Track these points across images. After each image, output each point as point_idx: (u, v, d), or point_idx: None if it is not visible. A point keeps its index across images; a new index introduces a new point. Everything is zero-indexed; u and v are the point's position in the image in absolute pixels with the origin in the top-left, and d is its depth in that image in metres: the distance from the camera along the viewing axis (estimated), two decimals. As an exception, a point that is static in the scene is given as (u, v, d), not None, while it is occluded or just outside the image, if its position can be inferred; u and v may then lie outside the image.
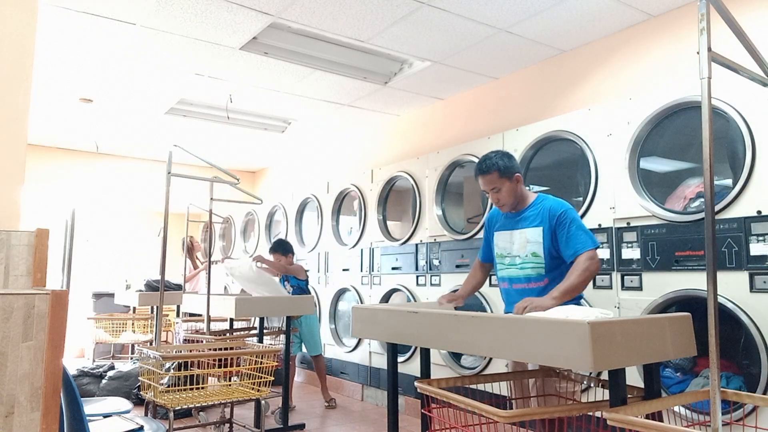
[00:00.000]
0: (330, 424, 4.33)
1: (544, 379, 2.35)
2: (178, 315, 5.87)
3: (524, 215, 2.56)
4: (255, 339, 4.41)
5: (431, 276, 4.39)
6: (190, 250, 6.33)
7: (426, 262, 4.46)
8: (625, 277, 3.06)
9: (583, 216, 3.29)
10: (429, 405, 2.02)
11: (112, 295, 7.12)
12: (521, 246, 2.53)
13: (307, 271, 5.14)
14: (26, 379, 1.14)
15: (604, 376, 1.83)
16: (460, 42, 3.86)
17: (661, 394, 1.89)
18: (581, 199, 3.38)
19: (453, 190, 4.55)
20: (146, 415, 3.49)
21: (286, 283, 4.94)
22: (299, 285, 4.90)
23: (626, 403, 1.66)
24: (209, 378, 3.35)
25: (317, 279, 5.81)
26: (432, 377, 2.16)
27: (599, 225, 3.21)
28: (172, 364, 3.54)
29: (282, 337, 4.39)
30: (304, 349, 4.93)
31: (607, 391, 1.78)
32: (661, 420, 1.76)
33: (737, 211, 2.65)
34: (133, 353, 6.79)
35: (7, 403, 1.12)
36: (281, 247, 4.96)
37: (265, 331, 4.48)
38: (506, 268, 2.60)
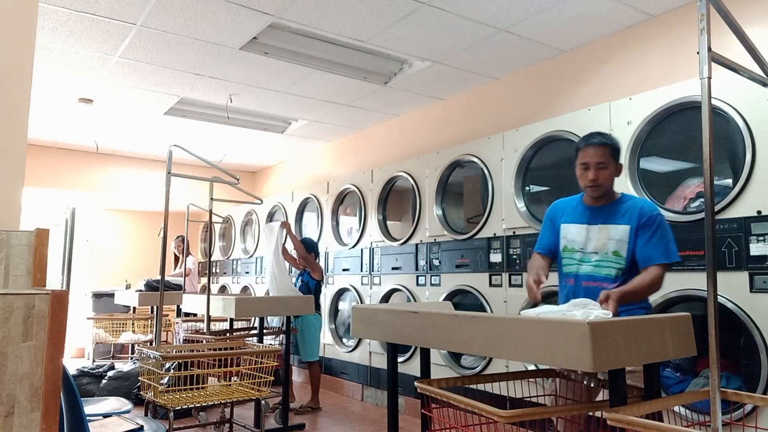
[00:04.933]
0: (330, 424, 4.33)
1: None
2: (178, 315, 5.88)
3: (609, 210, 2.35)
4: (255, 339, 4.41)
5: (431, 276, 4.39)
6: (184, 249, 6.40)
7: (426, 262, 4.46)
8: (625, 277, 3.05)
9: (583, 216, 3.28)
10: (429, 405, 2.02)
11: (112, 295, 7.12)
12: (601, 242, 2.32)
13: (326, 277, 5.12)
14: (26, 379, 1.14)
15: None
16: (460, 42, 3.86)
17: (661, 394, 1.89)
18: (581, 199, 3.37)
19: (453, 190, 4.55)
20: (146, 415, 3.49)
21: (300, 278, 5.00)
22: (308, 283, 4.91)
23: (626, 403, 1.66)
24: (209, 378, 3.35)
25: (317, 279, 5.81)
26: (432, 377, 2.16)
27: (599, 225, 3.20)
28: (172, 364, 3.54)
29: (281, 336, 4.39)
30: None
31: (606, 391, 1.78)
32: (661, 420, 1.76)
33: (737, 211, 2.65)
34: (133, 353, 6.79)
35: (7, 403, 1.12)
36: (305, 242, 5.01)
37: (265, 331, 4.48)
38: (577, 264, 2.37)
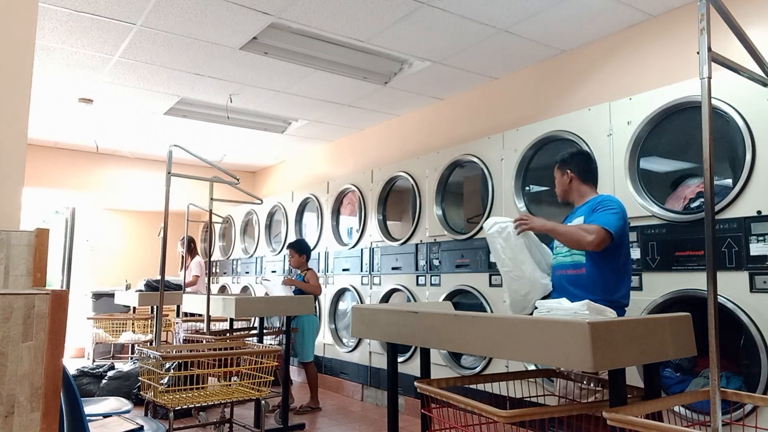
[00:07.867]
0: (330, 424, 4.33)
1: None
2: (178, 315, 5.88)
3: (578, 210, 2.69)
4: (255, 339, 4.41)
5: (431, 276, 4.39)
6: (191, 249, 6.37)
7: (426, 262, 4.46)
8: (625, 277, 3.05)
9: (583, 216, 3.29)
10: (429, 405, 2.02)
11: (112, 295, 7.12)
12: None
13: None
14: (26, 379, 1.14)
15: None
16: (460, 42, 3.86)
17: (661, 394, 1.89)
18: (581, 199, 3.37)
19: (453, 190, 4.55)
20: (146, 415, 3.49)
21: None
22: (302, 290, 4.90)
23: (626, 403, 1.66)
24: (209, 378, 3.35)
25: (317, 279, 5.81)
26: (432, 377, 2.16)
27: (599, 225, 3.20)
28: (172, 364, 3.55)
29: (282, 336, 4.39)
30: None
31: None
32: (661, 420, 1.76)
33: (737, 211, 2.65)
34: (133, 353, 6.79)
35: (7, 403, 1.12)
36: (297, 245, 5.03)
37: (265, 331, 4.49)
38: (556, 256, 2.72)
